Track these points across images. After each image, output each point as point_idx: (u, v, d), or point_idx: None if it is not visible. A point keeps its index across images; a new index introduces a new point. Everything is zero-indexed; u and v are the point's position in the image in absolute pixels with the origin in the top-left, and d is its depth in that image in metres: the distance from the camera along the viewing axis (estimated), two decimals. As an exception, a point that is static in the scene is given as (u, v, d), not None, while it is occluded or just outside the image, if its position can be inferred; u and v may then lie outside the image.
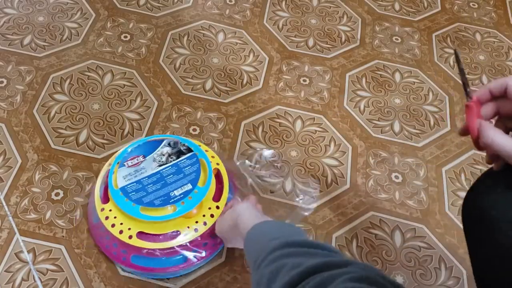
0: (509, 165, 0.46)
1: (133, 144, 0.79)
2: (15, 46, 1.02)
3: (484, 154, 0.60)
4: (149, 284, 0.74)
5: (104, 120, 0.92)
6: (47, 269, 0.74)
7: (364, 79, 1.06)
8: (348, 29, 1.16)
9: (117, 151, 0.87)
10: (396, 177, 0.90)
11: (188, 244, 0.71)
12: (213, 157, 0.80)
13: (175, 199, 0.71)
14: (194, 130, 0.93)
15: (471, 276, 0.79)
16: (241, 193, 0.81)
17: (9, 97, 0.94)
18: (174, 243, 0.70)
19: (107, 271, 0.75)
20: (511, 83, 0.46)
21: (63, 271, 0.74)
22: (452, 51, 1.13)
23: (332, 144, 0.94)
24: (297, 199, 0.84)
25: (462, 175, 0.92)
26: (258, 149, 0.89)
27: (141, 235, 0.70)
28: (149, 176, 0.74)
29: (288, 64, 1.07)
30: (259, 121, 0.96)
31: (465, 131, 0.48)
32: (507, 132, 0.47)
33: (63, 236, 0.78)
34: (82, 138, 0.89)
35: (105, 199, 0.74)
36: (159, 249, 0.71)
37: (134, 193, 0.72)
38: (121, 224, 0.71)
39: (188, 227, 0.71)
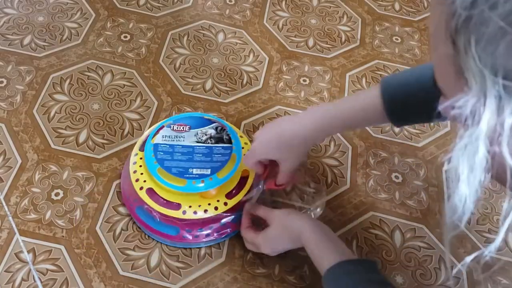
0: None
1: (188, 114, 0.85)
2: (15, 46, 1.02)
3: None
4: (149, 284, 0.74)
5: (104, 120, 0.92)
6: (47, 269, 0.74)
7: (364, 79, 1.06)
8: (348, 29, 1.16)
9: (117, 151, 0.87)
10: (396, 177, 0.90)
11: (183, 220, 0.74)
12: None
13: (190, 175, 0.74)
14: (194, 130, 0.93)
15: (471, 276, 0.79)
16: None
17: (9, 97, 0.94)
18: (171, 212, 0.73)
19: (107, 271, 0.75)
20: None
21: (63, 271, 0.74)
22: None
23: (332, 144, 0.94)
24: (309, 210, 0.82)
25: (462, 175, 0.92)
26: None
27: (150, 191, 0.75)
28: (182, 146, 0.78)
29: (288, 64, 1.07)
30: (259, 121, 0.96)
31: None
32: None
33: (63, 236, 0.78)
34: (82, 138, 0.89)
35: (143, 147, 0.79)
36: (157, 212, 0.74)
37: (162, 153, 0.76)
38: (141, 174, 0.76)
39: (190, 206, 0.74)
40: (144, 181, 0.76)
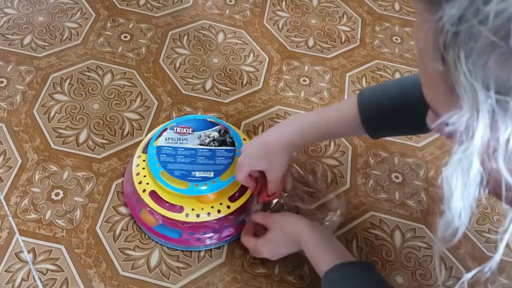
0: None
1: (191, 117, 0.85)
2: (15, 46, 1.02)
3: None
4: (149, 284, 0.74)
5: (104, 120, 0.92)
6: (47, 269, 0.74)
7: (364, 79, 1.06)
8: (348, 29, 1.16)
9: (117, 151, 0.87)
10: (396, 177, 0.90)
11: (185, 223, 0.74)
12: None
13: (192, 178, 0.74)
14: (194, 130, 0.93)
15: (471, 276, 0.79)
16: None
17: (9, 97, 0.94)
18: (174, 215, 0.73)
19: (107, 271, 0.75)
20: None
21: (63, 271, 0.74)
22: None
23: (332, 144, 0.94)
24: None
25: (462, 175, 0.92)
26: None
27: (153, 194, 0.75)
28: (185, 149, 0.78)
29: (288, 64, 1.07)
30: (259, 121, 0.96)
31: None
32: None
33: (63, 236, 0.78)
34: (82, 138, 0.89)
35: (146, 149, 0.80)
36: (160, 215, 0.74)
37: (164, 155, 0.77)
38: (144, 176, 0.77)
39: (193, 209, 0.74)
40: (147, 183, 0.76)
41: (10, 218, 0.79)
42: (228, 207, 0.75)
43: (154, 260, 0.76)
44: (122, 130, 0.91)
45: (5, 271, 0.73)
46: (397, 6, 1.24)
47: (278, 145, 0.70)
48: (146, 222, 0.76)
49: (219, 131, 0.81)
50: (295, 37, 1.13)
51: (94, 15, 1.11)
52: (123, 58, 1.03)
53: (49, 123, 0.91)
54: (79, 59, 1.02)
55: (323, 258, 0.65)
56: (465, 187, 0.34)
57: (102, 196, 0.82)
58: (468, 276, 0.41)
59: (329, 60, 1.08)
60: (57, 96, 0.95)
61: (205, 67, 1.04)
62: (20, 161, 0.85)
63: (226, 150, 0.78)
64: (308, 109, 0.99)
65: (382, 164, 0.92)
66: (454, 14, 0.30)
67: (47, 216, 0.79)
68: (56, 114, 0.92)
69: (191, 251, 0.78)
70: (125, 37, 1.07)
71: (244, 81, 1.02)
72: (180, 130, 0.80)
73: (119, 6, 1.13)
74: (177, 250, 0.78)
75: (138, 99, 0.96)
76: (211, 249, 0.78)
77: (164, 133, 0.80)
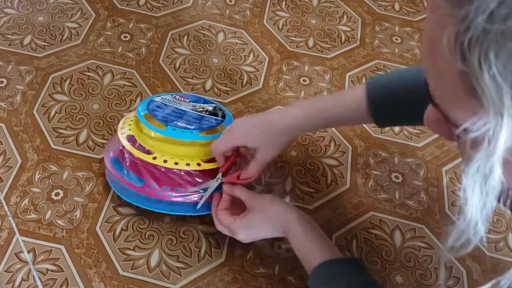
0: None
1: (193, 94, 0.89)
2: (15, 46, 1.02)
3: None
4: (149, 284, 0.74)
5: (104, 120, 0.92)
6: (47, 269, 0.74)
7: (364, 79, 1.06)
8: (348, 29, 1.16)
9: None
10: (396, 177, 0.90)
11: (151, 170, 0.74)
12: None
13: (172, 123, 0.75)
14: (194, 130, 0.93)
15: (471, 276, 0.79)
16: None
17: (9, 97, 0.94)
18: (141, 155, 0.74)
19: (107, 271, 0.75)
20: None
21: (63, 271, 0.74)
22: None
23: (332, 144, 0.94)
24: None
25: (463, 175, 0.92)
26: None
27: (130, 138, 0.76)
28: (176, 108, 0.79)
29: (288, 64, 1.07)
30: (259, 121, 0.96)
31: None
32: None
33: (63, 236, 0.78)
34: (82, 138, 0.89)
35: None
36: (130, 153, 0.75)
37: (154, 106, 0.79)
38: (129, 125, 0.79)
39: (162, 155, 0.73)
40: (129, 129, 0.78)
41: (10, 218, 0.79)
42: (199, 164, 0.74)
43: (154, 260, 0.76)
44: (122, 130, 0.91)
45: (5, 271, 0.73)
46: (397, 6, 1.24)
47: (281, 125, 0.68)
48: (115, 168, 0.77)
49: (214, 107, 0.82)
50: (295, 37, 1.13)
51: (94, 15, 1.11)
52: (123, 58, 1.03)
53: (49, 123, 0.91)
54: (79, 59, 1.02)
55: (311, 254, 0.64)
56: (484, 196, 0.32)
57: (102, 196, 0.82)
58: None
59: (329, 60, 1.08)
60: (57, 96, 0.95)
61: (205, 67, 1.04)
62: (20, 161, 0.85)
63: (215, 119, 0.79)
64: (308, 109, 0.99)
65: (382, 164, 0.92)
66: (487, 8, 0.27)
67: (47, 216, 0.79)
68: (56, 114, 0.92)
69: (191, 251, 0.78)
70: (125, 37, 1.07)
71: (244, 81, 1.02)
72: (179, 97, 0.83)
73: (119, 6, 1.13)
74: (177, 250, 0.78)
75: (138, 99, 0.96)
76: (211, 249, 0.78)
77: (164, 95, 0.82)
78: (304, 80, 1.04)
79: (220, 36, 1.10)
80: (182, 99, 0.82)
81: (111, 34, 1.07)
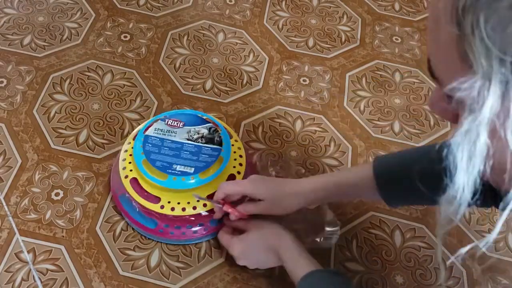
0: None
1: (185, 111, 0.86)
2: (15, 46, 1.02)
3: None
4: (149, 284, 0.74)
5: (104, 120, 0.92)
6: (47, 269, 0.74)
7: (364, 79, 1.06)
8: (348, 29, 1.16)
9: (117, 151, 0.87)
10: (396, 177, 0.90)
11: (161, 215, 0.74)
12: (240, 164, 0.80)
13: (172, 171, 0.75)
14: (194, 130, 0.93)
15: (471, 276, 0.79)
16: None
17: (9, 97, 0.94)
18: (149, 205, 0.74)
19: (107, 271, 0.75)
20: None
21: (63, 271, 0.74)
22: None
23: (332, 144, 0.94)
24: (316, 239, 0.79)
25: (462, 175, 0.92)
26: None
27: (134, 181, 0.76)
28: (172, 141, 0.78)
29: (288, 64, 1.07)
30: (259, 121, 0.96)
31: None
32: None
33: (63, 236, 0.78)
34: (82, 138, 0.89)
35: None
36: (137, 203, 0.75)
37: (150, 145, 0.77)
38: (129, 163, 0.78)
39: (169, 202, 0.74)
40: (131, 170, 0.77)
41: (10, 218, 0.79)
42: (205, 205, 0.75)
43: (154, 260, 0.76)
44: (122, 130, 0.91)
45: (5, 271, 0.73)
46: (397, 6, 1.24)
47: (289, 189, 0.71)
48: (125, 208, 0.77)
49: (209, 129, 0.81)
50: (295, 37, 1.13)
51: (94, 15, 1.11)
52: (123, 58, 1.03)
53: (49, 123, 0.91)
54: (79, 59, 1.02)
55: (300, 266, 0.66)
56: (470, 160, 0.33)
57: (102, 196, 0.82)
58: (463, 250, 0.41)
59: (329, 60, 1.08)
60: (57, 96, 0.95)
61: (205, 67, 1.04)
62: (20, 161, 0.85)
63: (212, 148, 0.78)
64: (308, 109, 0.99)
65: (382, 164, 0.92)
66: None
67: (47, 216, 0.79)
68: (56, 114, 0.92)
69: (191, 251, 0.78)
70: (125, 37, 1.07)
71: (244, 81, 1.02)
72: (171, 123, 0.81)
73: (119, 6, 1.13)
74: (177, 250, 0.78)
75: (138, 99, 0.96)
76: (211, 249, 0.78)
77: (155, 124, 0.80)
78: (304, 80, 1.04)
79: (220, 36, 1.10)
80: (176, 123, 0.80)
81: (111, 34, 1.07)
